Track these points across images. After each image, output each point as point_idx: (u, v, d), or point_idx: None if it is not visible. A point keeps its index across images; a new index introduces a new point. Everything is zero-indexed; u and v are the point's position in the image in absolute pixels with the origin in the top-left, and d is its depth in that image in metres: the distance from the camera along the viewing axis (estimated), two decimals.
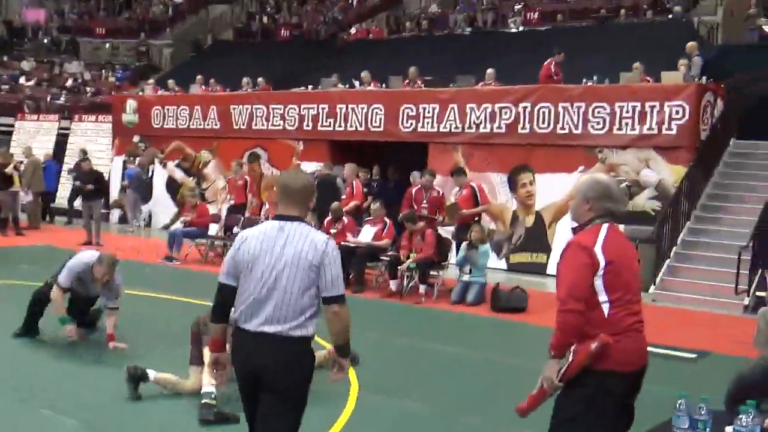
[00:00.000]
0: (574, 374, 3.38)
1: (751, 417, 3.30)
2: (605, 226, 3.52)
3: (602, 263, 3.39)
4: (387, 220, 11.20)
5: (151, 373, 5.79)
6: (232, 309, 3.66)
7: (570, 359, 3.41)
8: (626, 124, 12.45)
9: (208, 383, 5.43)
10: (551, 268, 12.39)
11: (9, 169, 15.30)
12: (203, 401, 5.36)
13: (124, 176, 17.94)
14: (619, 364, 3.38)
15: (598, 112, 12.69)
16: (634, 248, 4.03)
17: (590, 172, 11.41)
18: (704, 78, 12.80)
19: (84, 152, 18.70)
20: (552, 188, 12.91)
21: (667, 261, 11.35)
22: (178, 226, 13.56)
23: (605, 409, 3.40)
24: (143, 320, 8.28)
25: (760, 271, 10.13)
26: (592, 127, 12.75)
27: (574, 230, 3.66)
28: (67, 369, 6.50)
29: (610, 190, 3.60)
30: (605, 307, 3.39)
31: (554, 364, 3.40)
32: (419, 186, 11.75)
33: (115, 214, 18.70)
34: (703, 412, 3.40)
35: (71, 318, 7.05)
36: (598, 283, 3.40)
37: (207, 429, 5.22)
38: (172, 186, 18.18)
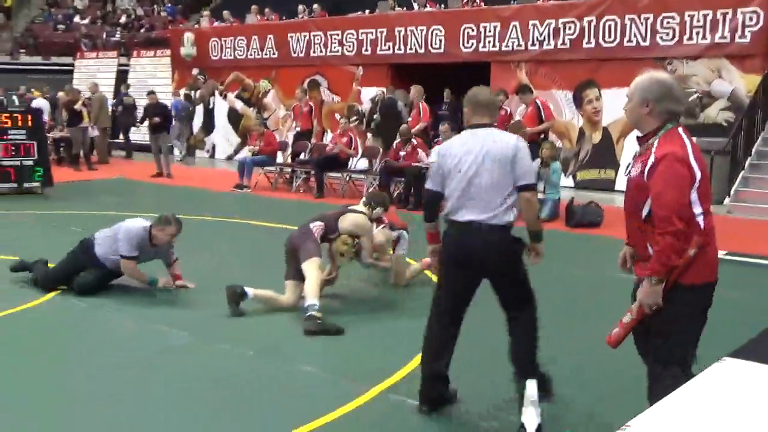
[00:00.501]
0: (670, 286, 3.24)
1: None
2: (681, 131, 3.24)
3: (698, 175, 3.16)
4: None
5: (250, 291, 5.97)
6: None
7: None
8: (697, 33, 12.14)
9: (312, 296, 5.63)
10: (620, 184, 12.32)
11: (78, 106, 15.65)
12: (308, 314, 5.54)
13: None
14: (712, 274, 3.30)
15: (668, 23, 12.38)
16: None
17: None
18: None
19: (127, 86, 19.04)
20: (619, 103, 12.57)
21: (742, 172, 11.18)
22: (246, 154, 13.75)
23: (703, 321, 3.34)
24: (232, 244, 8.52)
25: None
26: (661, 38, 12.46)
27: (640, 140, 3.36)
28: (163, 292, 6.55)
29: (671, 89, 3.29)
30: (700, 219, 3.20)
31: (659, 290, 3.19)
32: None
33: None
34: None
35: (155, 279, 6.57)
36: (694, 196, 3.18)
37: (311, 339, 5.39)
38: (233, 117, 18.40)
